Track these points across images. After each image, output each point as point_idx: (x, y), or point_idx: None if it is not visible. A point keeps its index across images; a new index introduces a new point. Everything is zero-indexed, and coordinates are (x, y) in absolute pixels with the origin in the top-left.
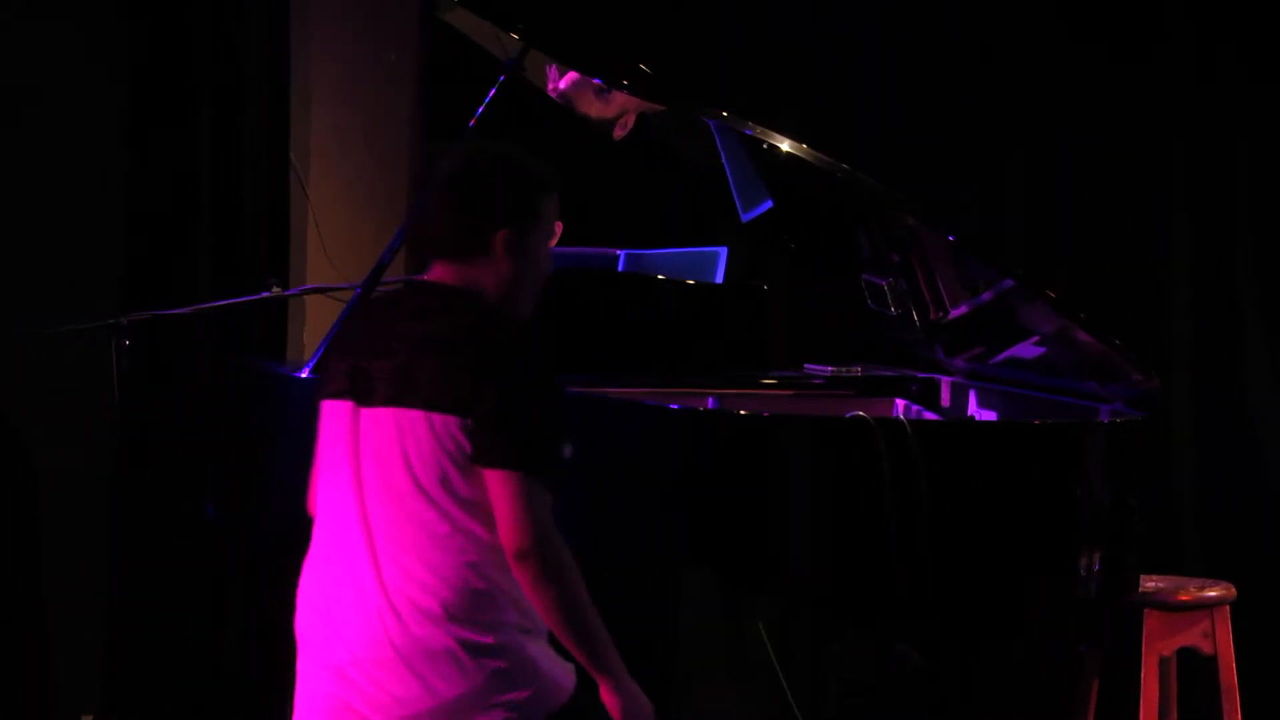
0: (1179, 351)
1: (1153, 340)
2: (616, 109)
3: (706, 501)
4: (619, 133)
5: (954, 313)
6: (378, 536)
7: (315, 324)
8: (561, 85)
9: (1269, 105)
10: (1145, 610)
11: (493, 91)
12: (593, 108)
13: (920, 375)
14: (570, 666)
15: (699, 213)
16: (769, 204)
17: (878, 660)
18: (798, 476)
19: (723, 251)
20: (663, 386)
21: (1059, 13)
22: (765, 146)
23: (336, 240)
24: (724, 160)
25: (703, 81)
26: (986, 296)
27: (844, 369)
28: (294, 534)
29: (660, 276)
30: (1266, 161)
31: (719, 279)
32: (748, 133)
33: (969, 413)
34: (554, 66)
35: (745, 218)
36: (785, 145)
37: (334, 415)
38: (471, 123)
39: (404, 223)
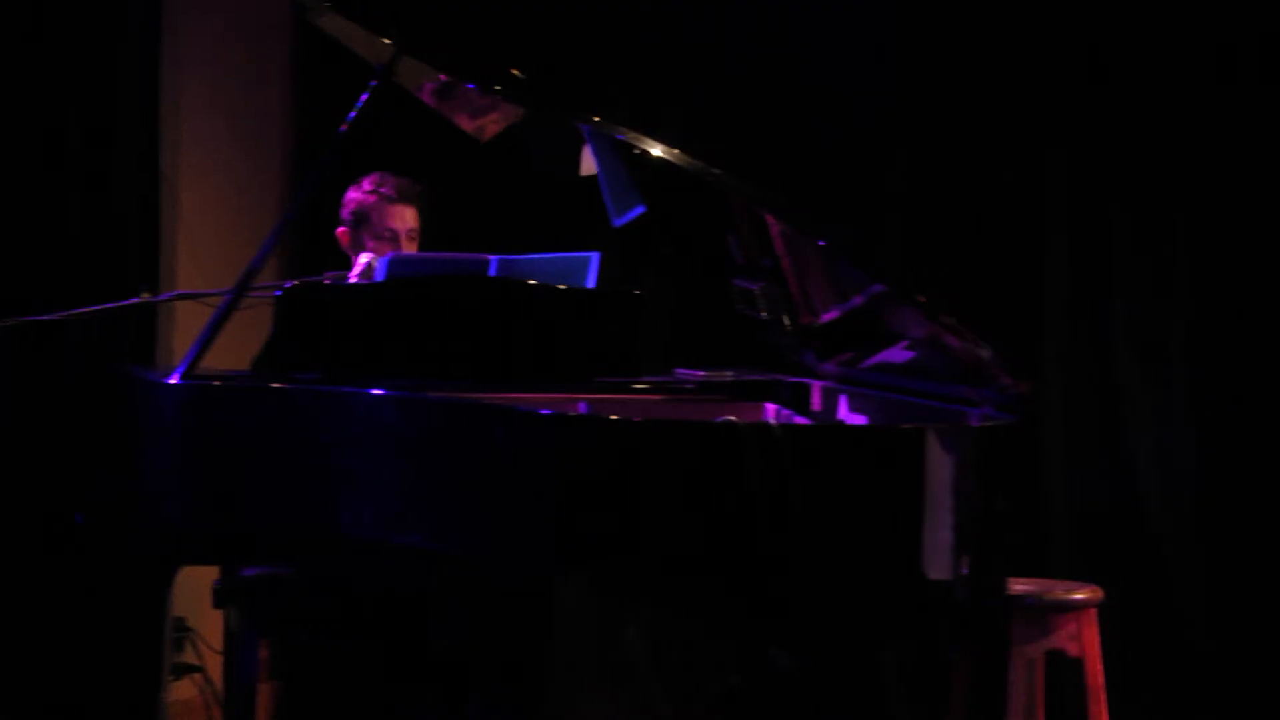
0: (1050, 356)
1: (1024, 345)
2: (492, 118)
3: (578, 507)
4: (485, 137)
5: (825, 317)
6: None
7: (185, 330)
8: (436, 92)
9: (1143, 110)
10: (1013, 613)
11: (364, 97)
12: (468, 117)
13: (791, 380)
14: None
15: (572, 218)
16: (641, 209)
17: (750, 665)
18: (668, 481)
19: (595, 257)
20: (534, 391)
21: (941, 14)
22: (637, 152)
23: (207, 247)
24: (596, 166)
25: (575, 87)
26: (857, 301)
27: (715, 374)
28: (166, 539)
29: (532, 282)
30: (1140, 168)
31: (591, 284)
32: (619, 138)
33: (839, 417)
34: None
35: (617, 223)
36: (656, 150)
37: None
38: (343, 128)
39: (275, 228)
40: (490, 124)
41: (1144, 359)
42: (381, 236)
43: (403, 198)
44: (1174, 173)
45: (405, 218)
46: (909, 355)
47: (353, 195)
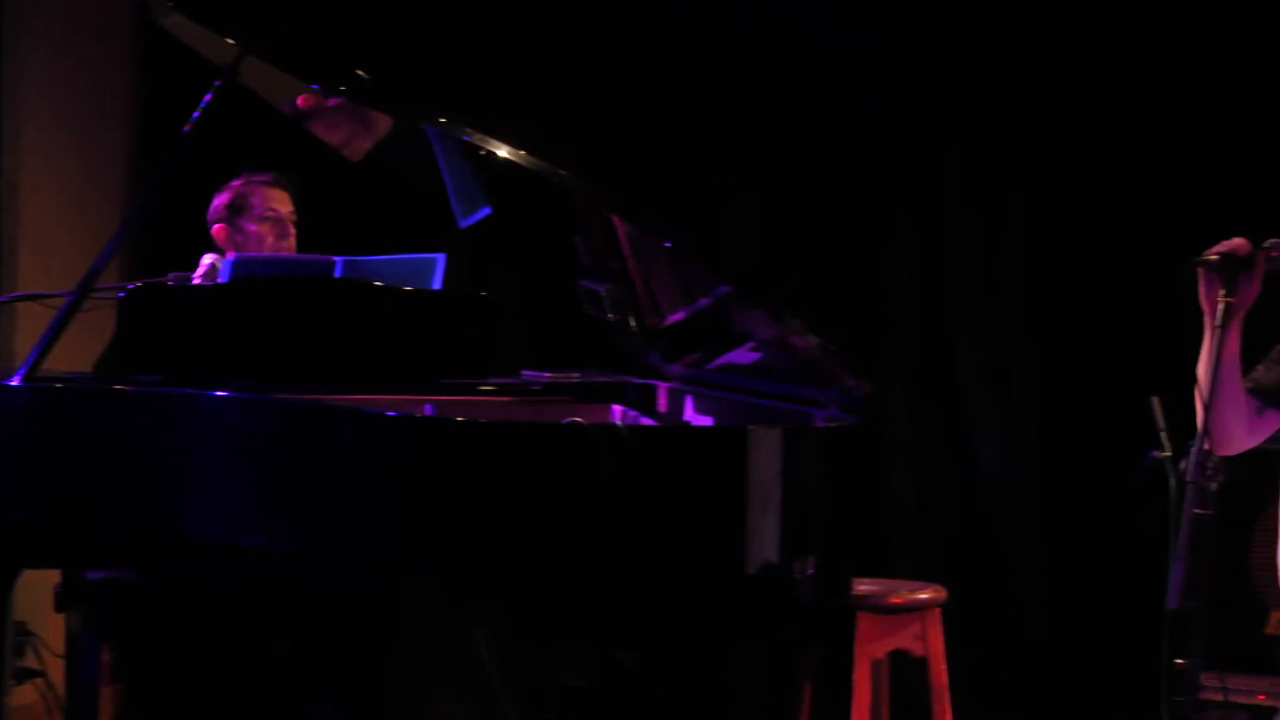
0: (896, 359)
1: (869, 347)
2: (361, 136)
3: (424, 508)
4: (355, 155)
5: (671, 318)
6: None
7: (27, 332)
8: (304, 112)
9: (987, 114)
10: (858, 613)
11: (208, 97)
12: (338, 136)
13: (637, 381)
14: None
15: (420, 219)
16: (487, 210)
17: (596, 668)
18: (514, 482)
19: (440, 258)
20: (381, 393)
21: (794, 16)
22: (483, 153)
23: (50, 248)
24: (442, 167)
25: (421, 89)
26: (704, 302)
27: (562, 375)
28: (5, 542)
29: (378, 283)
30: (983, 173)
31: (437, 285)
32: (465, 139)
33: (685, 418)
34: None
35: (463, 223)
36: (503, 151)
37: None
38: (186, 129)
39: (118, 229)
40: (359, 142)
41: (987, 360)
42: (265, 218)
43: (279, 183)
44: (1015, 177)
45: (284, 200)
46: (755, 356)
47: (223, 195)
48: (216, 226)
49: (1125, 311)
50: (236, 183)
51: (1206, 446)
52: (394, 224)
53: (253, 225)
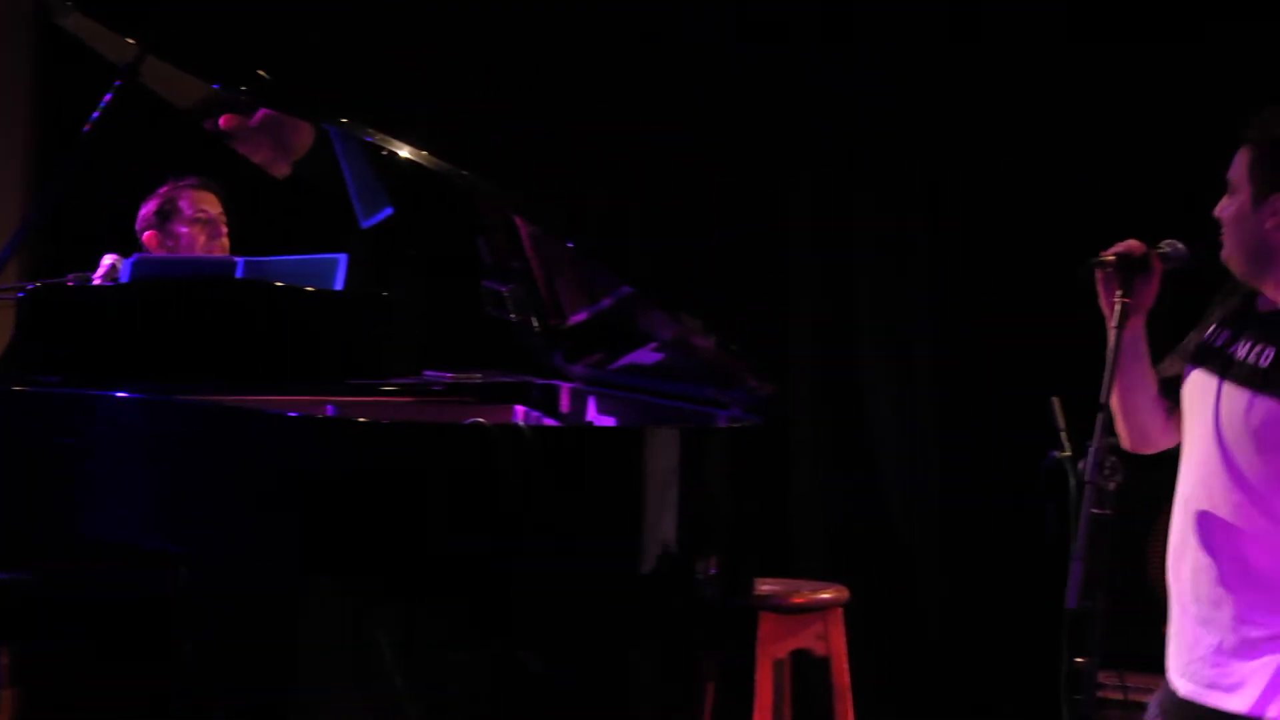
0: (799, 359)
1: (771, 348)
2: (283, 155)
3: (325, 509)
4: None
5: (573, 319)
6: None
7: None
8: (229, 132)
9: (886, 114)
10: (760, 613)
11: (108, 97)
12: (254, 150)
13: (540, 382)
14: None
15: (320, 220)
16: (389, 211)
17: (501, 668)
18: (416, 482)
19: (342, 259)
20: (282, 394)
21: (686, 18)
22: (385, 153)
23: None
24: (343, 168)
25: (323, 90)
26: (606, 303)
27: (464, 376)
28: None
29: (279, 284)
30: (884, 175)
31: (339, 286)
32: (367, 139)
33: (588, 418)
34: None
35: (365, 224)
36: (404, 152)
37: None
38: (86, 128)
39: (17, 230)
40: (282, 161)
41: (888, 362)
42: (196, 220)
43: (207, 186)
44: (918, 179)
45: (213, 202)
46: (658, 357)
47: (150, 203)
48: (147, 234)
49: (1026, 312)
50: (163, 189)
51: (1104, 446)
52: (296, 224)
53: (184, 228)
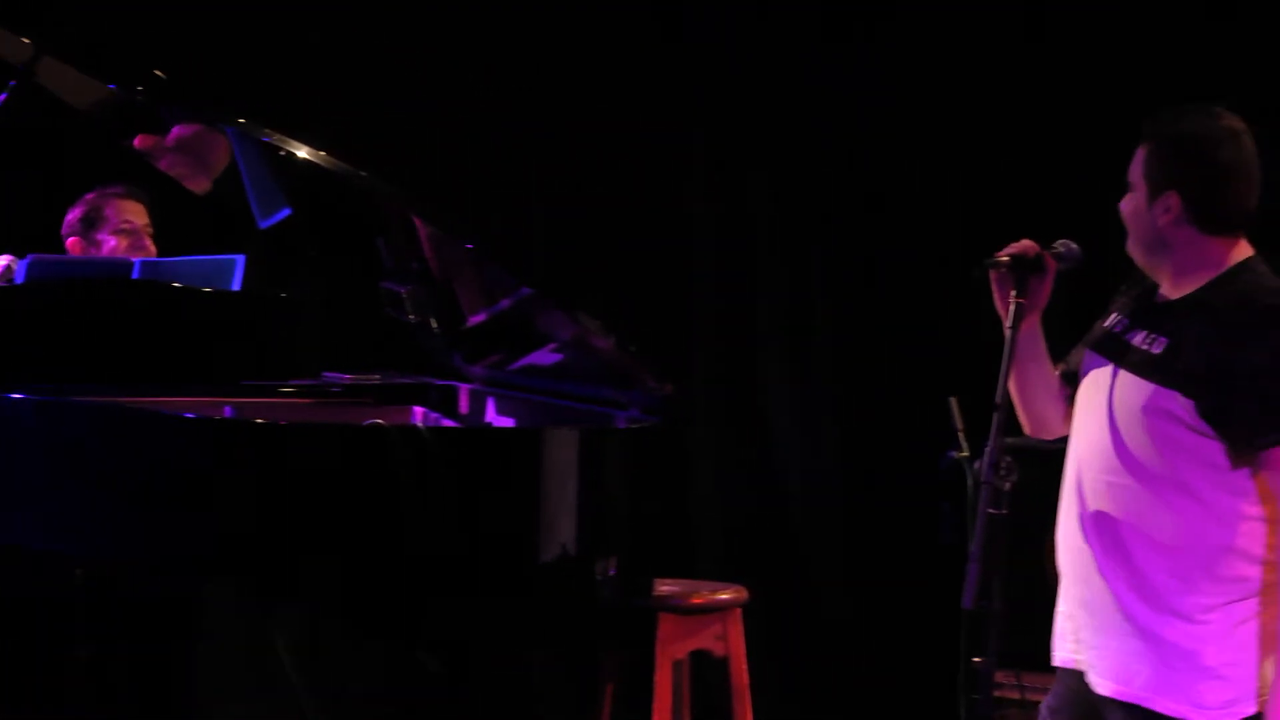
0: (699, 360)
1: (671, 348)
2: (198, 167)
3: (223, 511)
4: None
5: (472, 320)
6: None
7: None
8: (137, 145)
9: (782, 118)
10: (659, 614)
11: (3, 97)
12: (173, 165)
13: (439, 383)
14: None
15: (217, 220)
16: (287, 211)
17: (400, 670)
18: (314, 484)
19: (240, 259)
20: (180, 395)
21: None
22: (283, 153)
23: None
24: (241, 168)
25: (223, 91)
26: (505, 304)
27: (363, 377)
28: None
29: (176, 284)
30: (782, 178)
31: (237, 286)
32: (265, 140)
33: (487, 419)
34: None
35: (263, 225)
36: (302, 152)
37: None
38: None
39: None
40: (202, 176)
41: (787, 361)
42: (120, 230)
43: (132, 195)
44: (817, 181)
45: (139, 212)
46: (557, 358)
47: (76, 209)
48: (71, 240)
49: (923, 313)
50: (90, 196)
51: (1000, 446)
52: (192, 225)
53: (107, 237)
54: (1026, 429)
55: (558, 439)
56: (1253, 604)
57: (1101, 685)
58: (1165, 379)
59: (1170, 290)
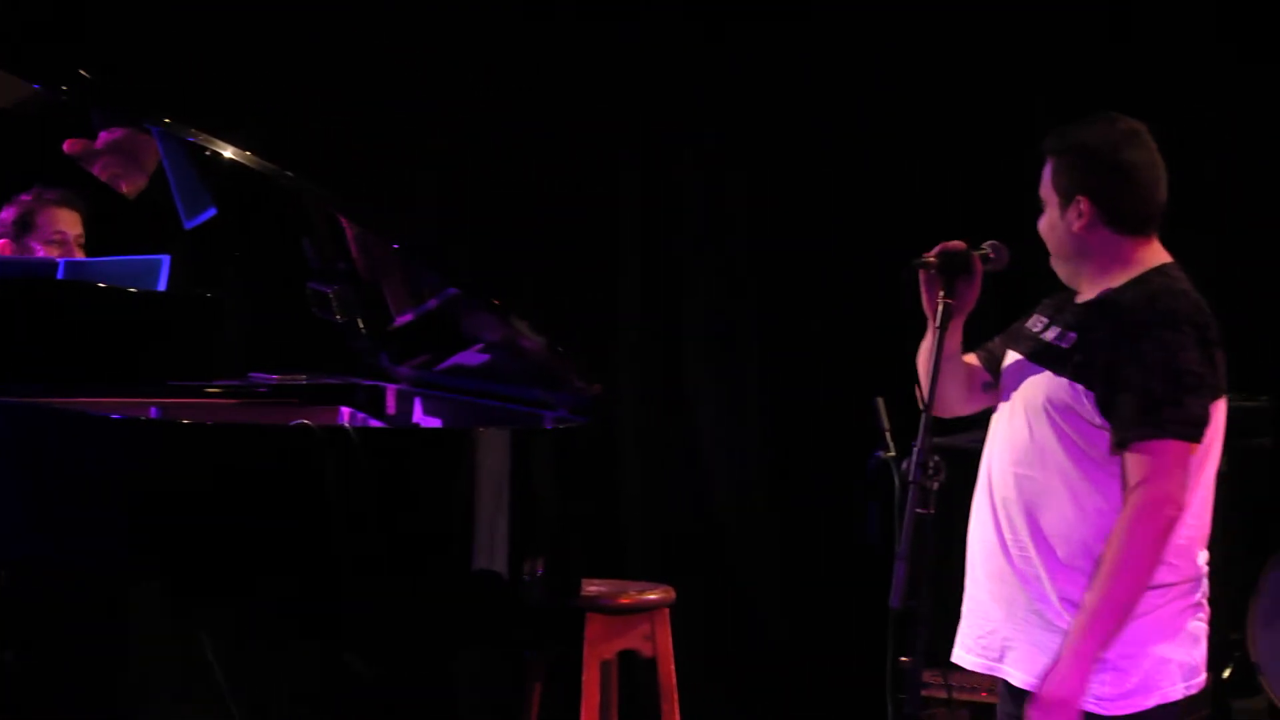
0: (625, 360)
1: (598, 349)
2: (129, 171)
3: (149, 512)
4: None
5: (399, 320)
6: None
7: None
8: (66, 150)
9: (709, 113)
10: (587, 614)
11: None
12: (104, 169)
13: (366, 383)
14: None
15: (142, 221)
16: (212, 211)
17: (327, 670)
18: (241, 485)
19: (165, 259)
20: (105, 396)
21: (514, 16)
22: (208, 154)
23: None
24: (166, 168)
25: (146, 89)
26: (432, 304)
27: (290, 377)
28: None
29: (101, 285)
30: (708, 178)
31: (162, 287)
32: (190, 140)
33: (415, 420)
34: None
35: (188, 225)
36: (228, 152)
37: None
38: None
39: None
40: (134, 179)
41: (714, 361)
42: (51, 241)
43: (68, 203)
44: (744, 179)
45: (72, 222)
46: (485, 358)
47: (10, 210)
48: (1, 241)
49: (850, 313)
50: (26, 197)
51: (927, 446)
52: (117, 225)
53: (39, 246)
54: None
55: (486, 439)
56: (1150, 597)
57: (1014, 677)
58: (1070, 372)
59: (1088, 294)
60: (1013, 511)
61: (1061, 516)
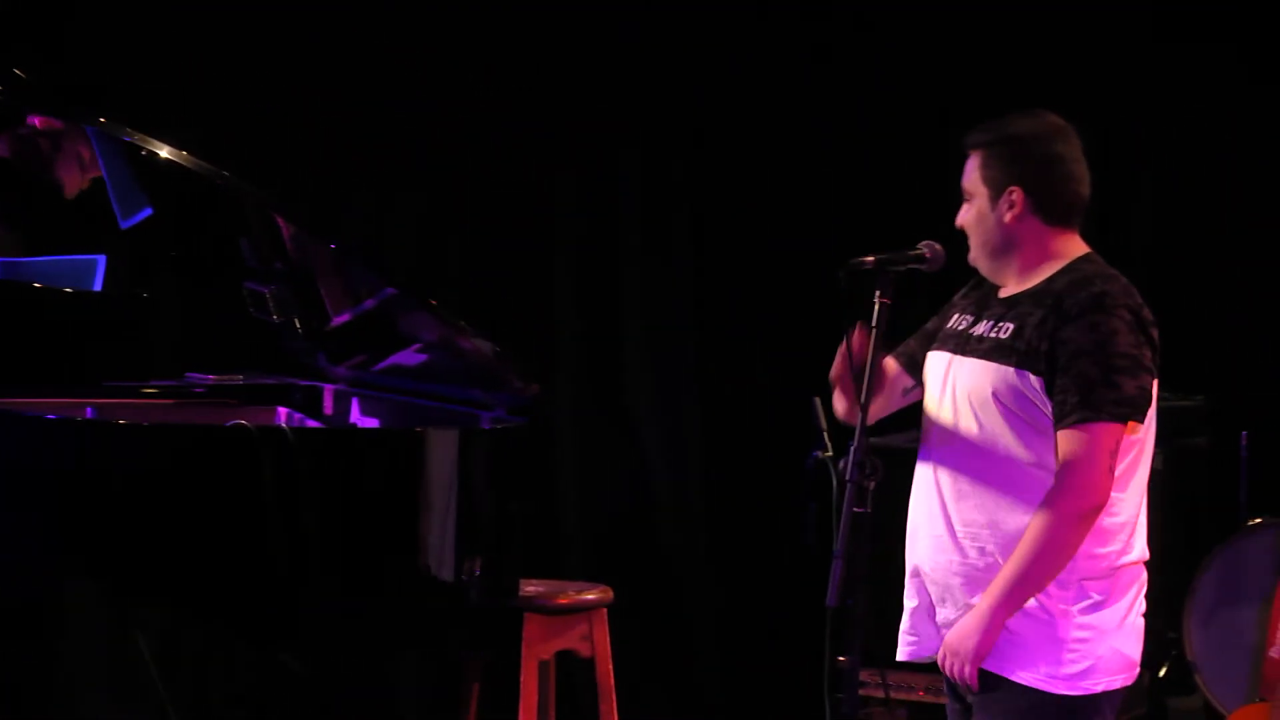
0: (564, 361)
1: (538, 350)
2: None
3: (84, 512)
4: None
5: (336, 320)
6: None
7: None
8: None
9: (650, 116)
10: (525, 614)
11: None
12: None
13: (303, 383)
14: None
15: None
16: (149, 211)
17: (262, 671)
18: (177, 485)
19: (101, 259)
20: (41, 396)
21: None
22: (144, 153)
23: None
24: (102, 167)
25: (83, 89)
26: (369, 304)
27: (227, 377)
28: None
29: (36, 284)
30: (649, 178)
31: (98, 287)
32: (126, 139)
33: (352, 420)
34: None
35: (124, 224)
36: (164, 152)
37: None
38: None
39: None
40: (75, 179)
41: (653, 362)
42: None
43: None
44: (683, 181)
45: None
46: (422, 358)
47: None
48: None
49: (787, 314)
50: None
51: (864, 446)
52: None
53: None
54: (840, 411)
55: (436, 440)
56: (1108, 580)
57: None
58: (1014, 359)
59: (1015, 287)
60: (965, 504)
61: (1016, 501)
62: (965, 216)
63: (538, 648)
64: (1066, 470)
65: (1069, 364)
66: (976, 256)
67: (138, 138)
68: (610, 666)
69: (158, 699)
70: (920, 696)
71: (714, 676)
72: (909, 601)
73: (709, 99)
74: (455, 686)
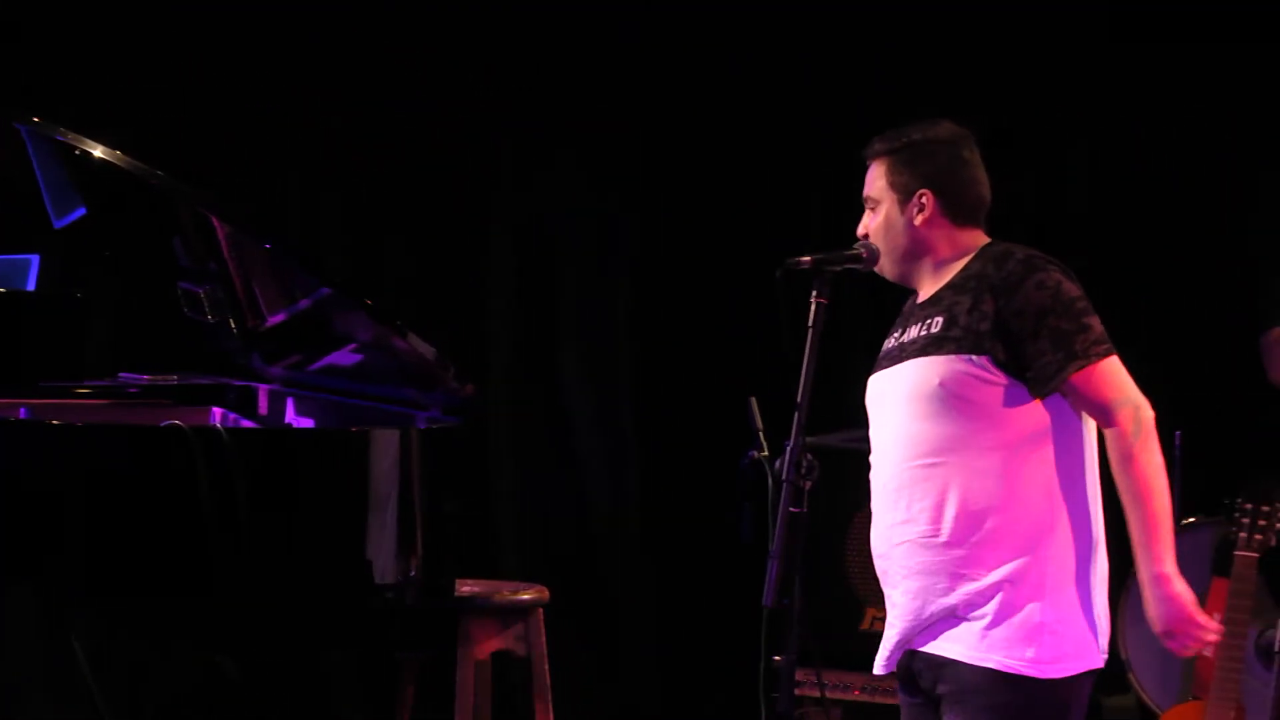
0: (499, 362)
1: (474, 350)
2: None
3: (19, 514)
4: None
5: (271, 320)
6: None
7: None
8: None
9: (587, 115)
10: (461, 615)
11: None
12: None
13: (238, 383)
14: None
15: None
16: (82, 211)
17: (199, 672)
18: (111, 486)
19: (34, 259)
20: None
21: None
22: (78, 153)
23: None
24: (35, 167)
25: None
26: (304, 304)
27: (161, 377)
28: None
29: None
30: (586, 179)
31: (31, 286)
32: (59, 139)
33: (287, 420)
34: None
35: (57, 224)
36: (98, 152)
37: None
38: None
39: None
40: None
41: (589, 362)
42: None
43: None
44: (619, 182)
45: None
46: (357, 358)
47: None
48: None
49: (723, 314)
50: None
51: (800, 445)
52: None
53: None
54: None
55: (358, 440)
56: (1086, 561)
57: (951, 650)
58: (952, 347)
59: (933, 287)
60: (927, 504)
61: (982, 488)
62: (871, 224)
63: (474, 647)
64: (1104, 411)
65: (1037, 328)
66: (882, 265)
67: (71, 137)
68: (546, 666)
69: (94, 702)
70: (856, 696)
71: (650, 676)
72: (889, 614)
73: (645, 100)
74: (391, 687)
